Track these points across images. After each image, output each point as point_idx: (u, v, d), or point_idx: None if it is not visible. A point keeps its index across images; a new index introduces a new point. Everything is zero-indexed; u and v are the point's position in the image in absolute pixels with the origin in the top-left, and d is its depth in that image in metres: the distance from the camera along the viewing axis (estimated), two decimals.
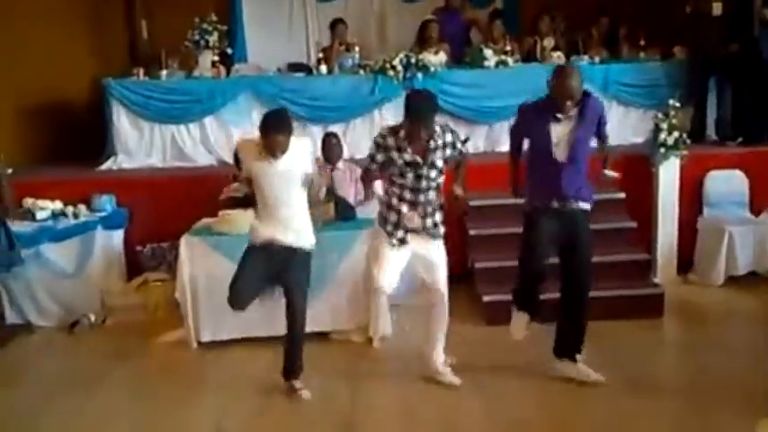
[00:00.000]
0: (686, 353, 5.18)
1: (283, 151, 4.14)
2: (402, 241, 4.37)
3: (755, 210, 6.48)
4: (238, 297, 4.32)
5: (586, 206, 4.41)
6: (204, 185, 6.13)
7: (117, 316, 5.80)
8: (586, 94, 4.29)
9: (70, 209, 6.05)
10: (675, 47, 7.51)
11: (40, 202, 6.06)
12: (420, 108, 4.18)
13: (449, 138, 4.32)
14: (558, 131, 4.27)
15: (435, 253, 4.44)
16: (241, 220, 5.12)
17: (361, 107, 7.16)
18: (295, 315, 4.37)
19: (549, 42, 7.85)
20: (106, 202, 6.22)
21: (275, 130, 4.10)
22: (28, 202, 6.09)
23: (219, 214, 5.30)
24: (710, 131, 7.24)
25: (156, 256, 6.07)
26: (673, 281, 6.23)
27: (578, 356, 4.51)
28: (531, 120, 4.38)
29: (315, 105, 7.11)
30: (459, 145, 4.39)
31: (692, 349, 5.15)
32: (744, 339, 5.25)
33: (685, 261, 6.42)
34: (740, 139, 6.96)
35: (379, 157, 4.33)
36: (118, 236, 6.16)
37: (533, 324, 5.03)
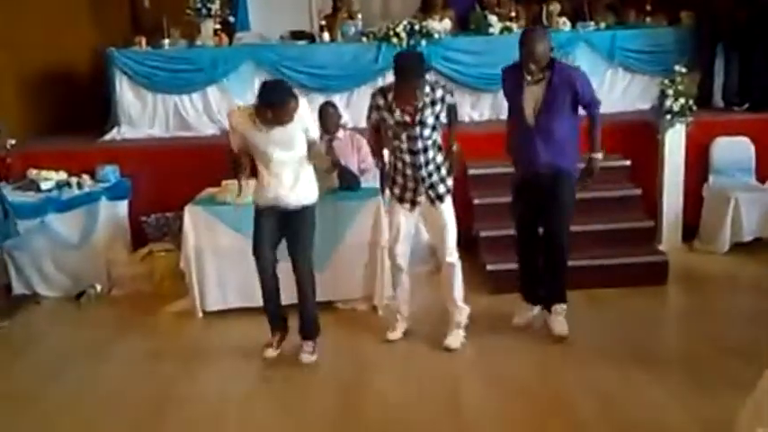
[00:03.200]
0: (690, 320, 5.18)
1: (290, 121, 4.13)
2: (413, 203, 4.43)
3: (761, 176, 6.45)
4: (263, 259, 4.39)
5: (565, 170, 4.43)
6: (207, 155, 6.10)
7: (123, 286, 5.83)
8: (555, 62, 4.37)
9: (74, 179, 6.04)
10: (682, 12, 7.42)
11: (45, 173, 6.05)
12: (405, 69, 4.20)
13: (439, 93, 4.31)
14: (531, 96, 4.35)
15: (443, 216, 4.44)
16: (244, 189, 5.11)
17: (364, 75, 7.09)
18: (303, 275, 4.42)
19: (555, 8, 7.75)
20: (110, 173, 6.20)
21: (285, 100, 4.07)
22: (32, 172, 6.09)
23: (222, 183, 5.30)
24: (717, 98, 7.19)
25: (161, 226, 6.07)
26: (678, 248, 6.22)
27: (554, 308, 4.67)
28: (509, 82, 4.51)
29: (318, 74, 7.05)
30: (448, 98, 4.36)
31: (695, 317, 5.16)
32: (748, 307, 5.25)
33: (691, 228, 6.39)
34: (747, 105, 6.91)
35: (373, 116, 4.43)
36: (122, 206, 6.16)
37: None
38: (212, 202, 5.28)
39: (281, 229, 4.41)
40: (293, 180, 4.31)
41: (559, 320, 4.65)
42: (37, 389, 4.35)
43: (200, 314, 5.24)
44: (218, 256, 5.18)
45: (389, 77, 7.03)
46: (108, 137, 6.99)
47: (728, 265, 6.00)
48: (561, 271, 4.62)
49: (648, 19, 7.55)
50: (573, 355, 4.44)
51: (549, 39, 4.36)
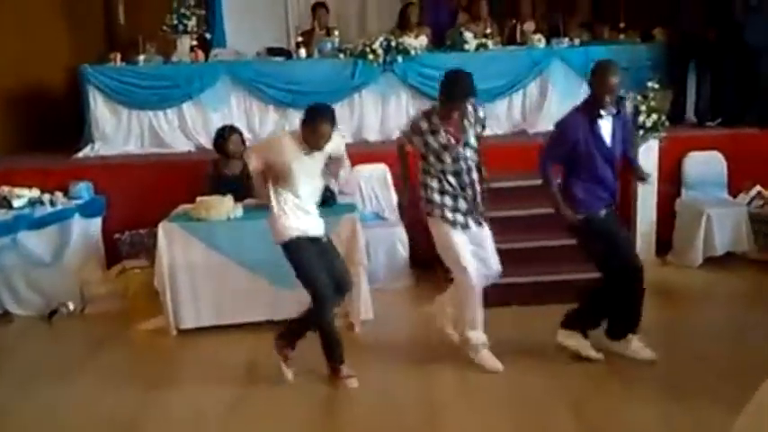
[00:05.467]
0: (664, 333, 5.20)
1: (323, 145, 4.15)
2: (465, 226, 4.34)
3: (733, 191, 6.53)
4: (327, 289, 4.22)
5: None
6: (182, 171, 6.10)
7: (96, 304, 5.76)
8: (622, 98, 4.39)
9: (47, 196, 5.98)
10: (655, 29, 7.52)
11: (17, 190, 5.98)
12: (459, 89, 4.16)
13: (481, 114, 4.35)
14: (606, 132, 4.26)
15: (487, 238, 4.42)
16: (219, 205, 5.11)
17: (341, 91, 7.11)
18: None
19: (529, 26, 7.84)
20: (83, 190, 6.15)
21: (324, 120, 4.09)
22: (4, 190, 6.01)
23: (197, 200, 5.27)
24: (689, 113, 7.28)
25: (135, 243, 6.02)
26: (651, 262, 6.24)
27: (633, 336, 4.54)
28: (580, 127, 4.25)
29: (294, 90, 7.06)
30: (485, 120, 4.42)
31: (669, 329, 5.19)
32: (721, 320, 5.29)
33: (664, 242, 6.45)
34: (719, 121, 7.00)
35: (416, 141, 4.33)
36: (95, 224, 6.09)
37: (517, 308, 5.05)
38: (187, 218, 5.25)
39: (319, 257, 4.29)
40: (315, 212, 4.34)
41: (642, 346, 4.56)
42: (7, 407, 4.28)
43: (175, 332, 5.18)
44: (192, 273, 5.14)
45: (366, 94, 7.15)
46: (82, 154, 6.94)
47: (701, 278, 6.06)
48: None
49: (622, 36, 7.64)
50: (550, 368, 4.43)
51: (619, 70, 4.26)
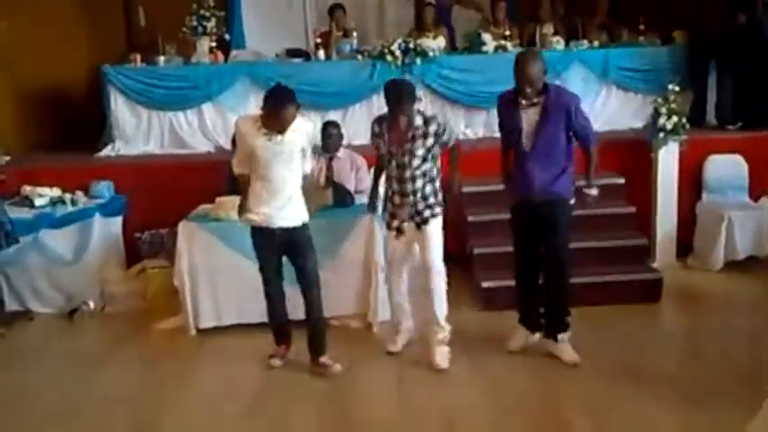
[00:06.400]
0: (684, 337, 5.19)
1: (286, 128, 4.17)
2: (399, 231, 4.50)
3: (755, 194, 6.46)
4: (270, 284, 4.53)
5: (560, 196, 4.39)
6: (202, 172, 6.12)
7: (116, 303, 5.79)
8: (549, 85, 4.34)
9: (68, 196, 6.04)
10: (675, 31, 7.47)
11: (39, 190, 6.05)
12: (395, 98, 4.29)
13: (432, 128, 4.36)
14: (527, 120, 4.32)
15: (427, 236, 4.50)
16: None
17: (359, 93, 7.12)
18: (311, 293, 4.50)
19: (548, 29, 7.81)
20: (104, 189, 6.20)
21: (283, 104, 4.14)
22: (26, 189, 6.09)
23: (216, 200, 5.30)
24: (710, 116, 7.22)
25: (155, 243, 6.05)
26: (672, 266, 6.22)
27: (560, 336, 4.57)
28: (504, 108, 4.46)
29: (313, 91, 7.05)
30: (445, 137, 4.41)
31: (689, 334, 5.17)
32: (742, 324, 5.24)
33: (685, 246, 6.41)
34: (740, 124, 6.94)
35: (374, 142, 4.55)
36: (116, 223, 6.14)
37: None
38: (207, 218, 5.27)
39: (279, 247, 4.44)
40: (284, 202, 4.33)
41: (567, 348, 4.55)
42: (22, 405, 4.32)
43: (194, 331, 5.20)
44: (212, 272, 5.16)
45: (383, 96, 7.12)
46: (103, 153, 6.99)
47: (722, 282, 6.01)
48: (564, 299, 4.54)
49: (641, 38, 7.60)
50: (568, 373, 4.43)
51: (542, 61, 4.31)
